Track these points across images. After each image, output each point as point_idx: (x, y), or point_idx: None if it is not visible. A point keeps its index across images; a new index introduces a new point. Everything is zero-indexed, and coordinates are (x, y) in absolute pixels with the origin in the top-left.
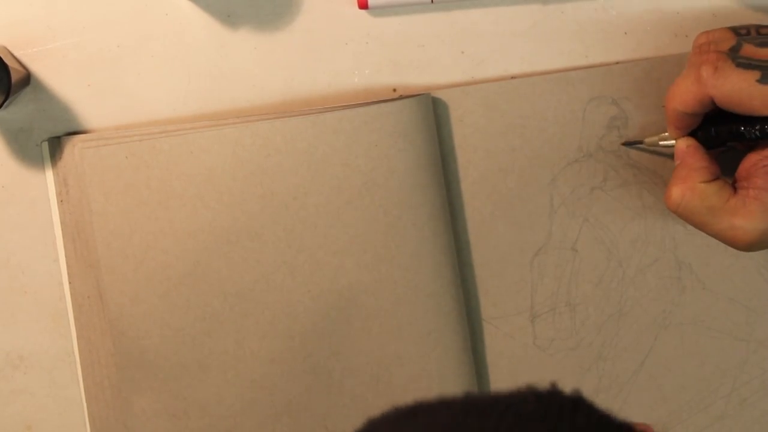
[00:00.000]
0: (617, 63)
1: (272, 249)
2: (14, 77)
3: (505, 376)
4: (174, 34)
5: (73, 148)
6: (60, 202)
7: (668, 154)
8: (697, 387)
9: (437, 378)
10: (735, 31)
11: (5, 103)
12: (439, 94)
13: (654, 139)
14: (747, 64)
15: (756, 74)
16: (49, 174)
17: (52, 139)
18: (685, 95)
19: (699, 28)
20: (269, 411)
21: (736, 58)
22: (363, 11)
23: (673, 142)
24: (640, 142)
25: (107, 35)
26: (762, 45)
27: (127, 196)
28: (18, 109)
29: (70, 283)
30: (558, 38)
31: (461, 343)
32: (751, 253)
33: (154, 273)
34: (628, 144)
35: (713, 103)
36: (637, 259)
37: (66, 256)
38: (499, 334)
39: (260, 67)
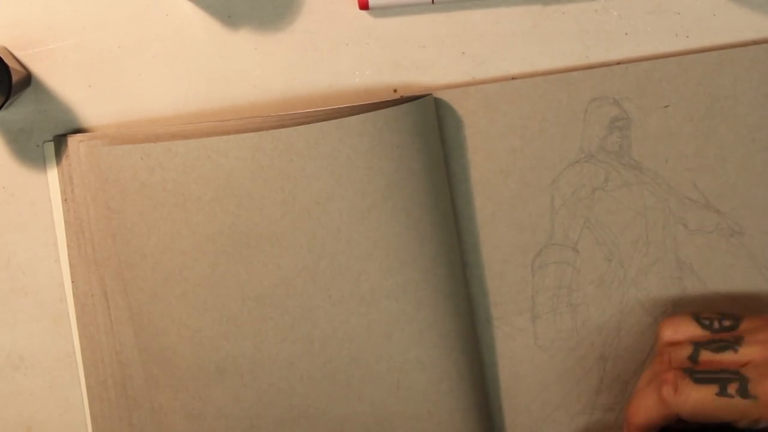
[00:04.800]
0: (618, 63)
1: (293, 254)
2: (15, 78)
3: (507, 377)
4: (175, 34)
5: (78, 145)
6: (64, 200)
7: None
8: None
9: (457, 381)
10: (697, 320)
11: (6, 104)
12: (439, 95)
13: None
14: (705, 379)
15: (714, 388)
16: (51, 174)
17: (58, 137)
18: (650, 412)
19: (699, 28)
20: (287, 415)
21: (693, 373)
22: (363, 12)
23: None
24: None
25: (108, 36)
26: (720, 349)
27: (144, 196)
28: (19, 110)
29: (72, 281)
30: (559, 39)
31: (473, 345)
32: (752, 253)
33: (172, 273)
34: None
35: (679, 416)
36: (639, 259)
37: (69, 255)
38: (500, 335)
39: (261, 67)
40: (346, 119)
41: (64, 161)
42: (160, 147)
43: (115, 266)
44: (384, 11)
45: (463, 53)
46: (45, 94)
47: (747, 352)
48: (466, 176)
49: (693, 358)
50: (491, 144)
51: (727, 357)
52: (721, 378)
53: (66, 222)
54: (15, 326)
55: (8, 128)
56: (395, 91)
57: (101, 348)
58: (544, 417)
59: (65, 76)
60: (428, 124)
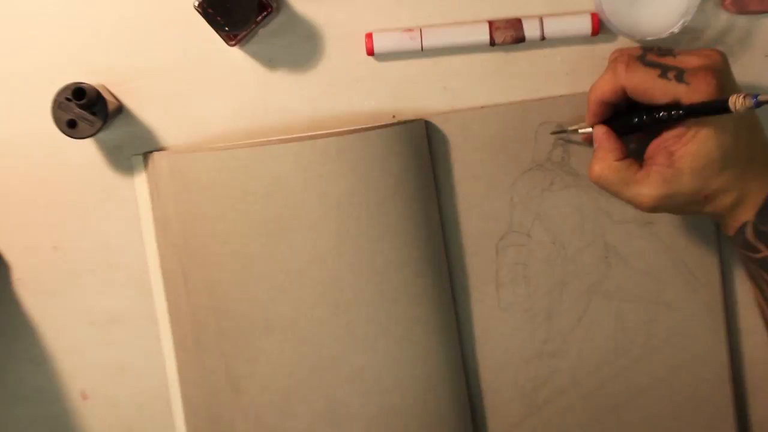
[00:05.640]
0: (561, 96)
1: (325, 237)
2: (110, 107)
3: (479, 332)
4: (229, 74)
5: (162, 160)
6: (152, 201)
7: (580, 142)
8: (621, 337)
9: (444, 335)
10: (641, 47)
11: (103, 127)
12: (427, 119)
13: (575, 127)
14: (651, 63)
15: (657, 71)
16: (137, 180)
17: (146, 154)
18: (604, 87)
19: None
20: (318, 364)
21: (642, 57)
22: (370, 57)
23: (589, 129)
24: (565, 131)
25: (178, 76)
26: (661, 55)
27: (214, 191)
28: (113, 131)
29: (160, 260)
30: (516, 77)
31: (452, 308)
32: (660, 238)
33: (234, 251)
34: (555, 133)
35: (624, 94)
36: (575, 242)
37: (157, 242)
38: (472, 300)
39: (293, 98)
40: (366, 133)
41: (151, 171)
42: (228, 153)
43: (193, 247)
44: (385, 56)
45: (445, 88)
46: (132, 119)
47: (683, 59)
48: (449, 180)
49: (642, 56)
50: (466, 156)
51: (668, 59)
52: (663, 65)
53: (154, 217)
54: (112, 293)
55: (105, 145)
56: (394, 116)
57: (181, 311)
58: (506, 360)
59: (147, 105)
60: (420, 140)
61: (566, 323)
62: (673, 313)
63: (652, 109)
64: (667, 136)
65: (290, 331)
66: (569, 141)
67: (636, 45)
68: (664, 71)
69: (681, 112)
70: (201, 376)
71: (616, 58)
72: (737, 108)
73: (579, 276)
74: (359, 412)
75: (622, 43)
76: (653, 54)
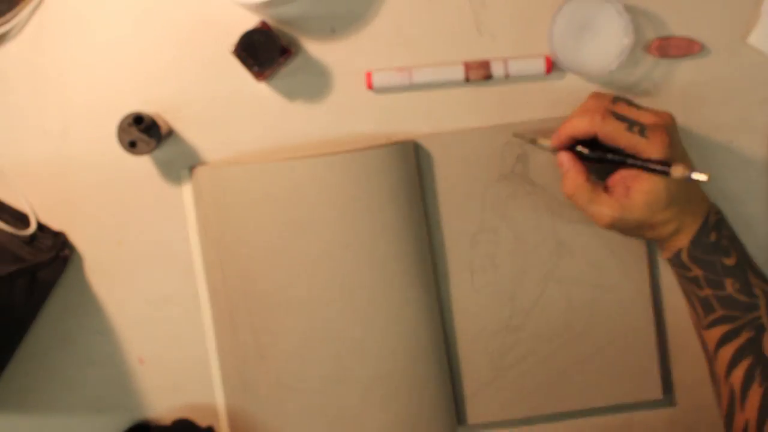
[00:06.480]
0: (521, 122)
1: (335, 234)
2: (163, 131)
3: (457, 308)
4: (257, 105)
5: (205, 171)
6: (196, 205)
7: (534, 156)
8: (569, 314)
9: (430, 310)
10: (614, 95)
11: (157, 146)
12: (416, 140)
13: (537, 138)
14: (620, 118)
15: (625, 125)
16: (184, 188)
17: (192, 167)
18: (580, 127)
19: (572, 101)
20: (327, 335)
21: (615, 113)
22: (370, 90)
23: (548, 143)
24: (529, 138)
25: (217, 106)
26: (629, 104)
27: (246, 197)
28: (165, 150)
29: (202, 252)
30: (486, 107)
31: (435, 290)
32: (600, 235)
33: (261, 245)
34: (518, 136)
35: (594, 136)
36: (533, 239)
37: (200, 238)
38: (452, 283)
39: (308, 124)
40: (367, 151)
41: (195, 182)
42: (257, 167)
43: (228, 242)
44: (382, 90)
45: (429, 115)
46: (180, 140)
47: (644, 114)
48: (433, 189)
49: (614, 101)
50: (446, 170)
51: (633, 111)
52: (630, 121)
53: (197, 218)
54: (163, 279)
55: (159, 161)
56: (389, 138)
57: (219, 293)
58: (478, 332)
59: (192, 129)
60: (410, 157)
61: (526, 303)
62: (611, 295)
63: (613, 150)
64: (626, 174)
65: (305, 309)
66: (533, 142)
67: (583, 82)
68: (630, 126)
69: (638, 162)
70: (234, 346)
71: (594, 108)
72: (675, 176)
73: (536, 265)
74: (360, 375)
75: (570, 79)
76: (623, 103)
